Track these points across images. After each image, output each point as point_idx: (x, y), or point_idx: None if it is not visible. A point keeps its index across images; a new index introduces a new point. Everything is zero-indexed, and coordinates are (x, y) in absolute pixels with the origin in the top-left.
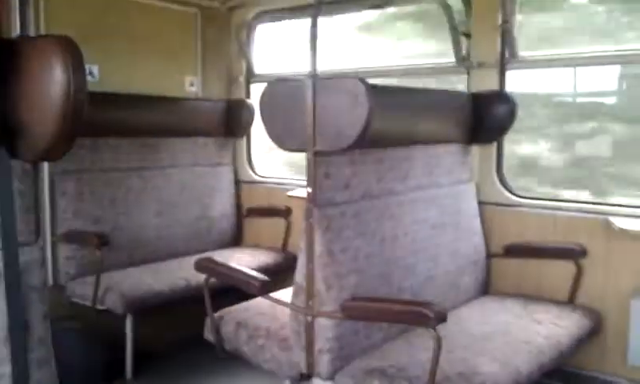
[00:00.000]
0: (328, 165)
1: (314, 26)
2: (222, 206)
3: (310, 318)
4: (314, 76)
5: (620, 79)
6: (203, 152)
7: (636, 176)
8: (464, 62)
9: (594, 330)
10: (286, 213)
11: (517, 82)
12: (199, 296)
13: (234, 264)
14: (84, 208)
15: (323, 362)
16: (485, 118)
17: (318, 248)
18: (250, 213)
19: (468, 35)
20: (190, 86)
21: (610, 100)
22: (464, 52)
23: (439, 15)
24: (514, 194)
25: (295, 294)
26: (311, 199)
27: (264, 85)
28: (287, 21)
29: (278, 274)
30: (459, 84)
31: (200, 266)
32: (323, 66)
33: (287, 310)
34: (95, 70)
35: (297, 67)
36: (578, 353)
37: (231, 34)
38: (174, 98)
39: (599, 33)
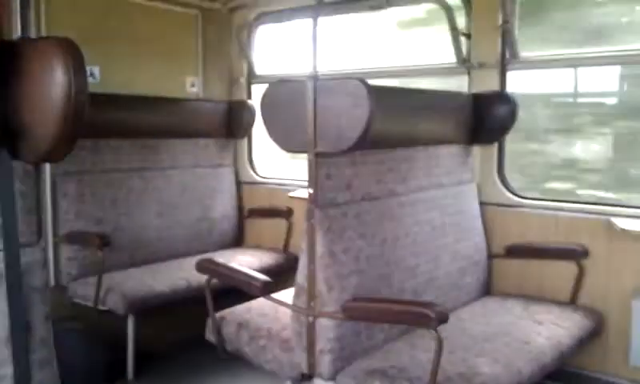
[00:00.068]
0: (329, 166)
1: (314, 26)
2: (223, 206)
3: (311, 319)
4: (315, 77)
5: None
6: (204, 153)
7: None
8: (465, 63)
9: (596, 331)
10: (287, 214)
11: (554, 81)
12: (200, 297)
13: (235, 265)
14: (85, 209)
15: (324, 363)
16: (486, 119)
17: (320, 249)
18: (251, 214)
19: (468, 35)
20: (191, 86)
21: None
22: (464, 52)
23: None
24: (515, 195)
25: (296, 295)
26: (312, 200)
27: (265, 86)
28: (288, 22)
29: (280, 275)
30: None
31: (201, 267)
32: (325, 67)
33: (288, 311)
34: (96, 71)
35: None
36: (580, 353)
37: (232, 35)
38: (175, 99)
39: None
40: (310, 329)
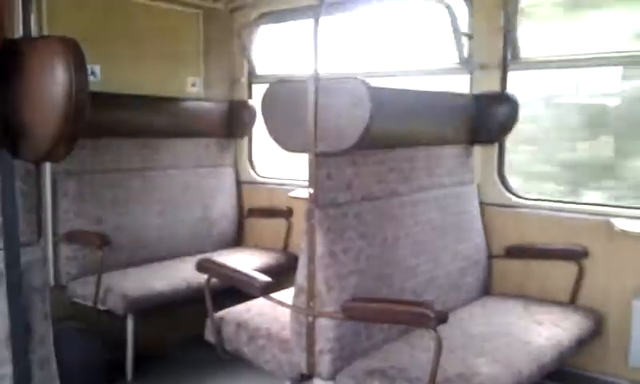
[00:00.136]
0: (330, 166)
1: (315, 26)
2: (223, 206)
3: (310, 319)
4: (315, 77)
5: None
6: (205, 153)
7: None
8: (466, 64)
9: (596, 331)
10: (287, 213)
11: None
12: (200, 297)
13: (235, 265)
14: (85, 208)
15: (324, 363)
16: (486, 119)
17: (320, 249)
18: (251, 213)
19: (470, 36)
20: (192, 86)
21: None
22: (466, 53)
23: None
24: (516, 195)
25: (296, 295)
26: (313, 200)
27: (266, 86)
28: (289, 22)
29: (279, 275)
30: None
31: (201, 267)
32: (326, 67)
33: (288, 311)
34: (97, 69)
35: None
36: (580, 354)
37: (233, 35)
38: (175, 99)
39: None
40: (310, 329)
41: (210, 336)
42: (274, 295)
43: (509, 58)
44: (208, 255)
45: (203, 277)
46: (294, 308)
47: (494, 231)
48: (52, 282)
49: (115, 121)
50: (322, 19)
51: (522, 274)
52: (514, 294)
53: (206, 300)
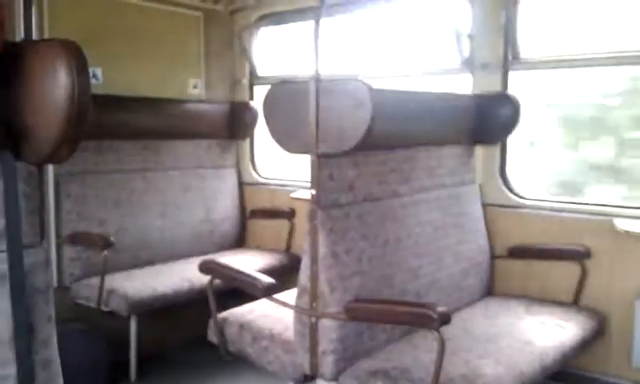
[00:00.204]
0: (331, 167)
1: (316, 28)
2: (225, 207)
3: (313, 320)
4: (317, 78)
5: None
6: (206, 154)
7: None
8: (467, 64)
9: (599, 332)
10: (289, 214)
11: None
12: (203, 298)
13: (238, 266)
14: (88, 210)
15: (327, 363)
16: (488, 120)
17: (322, 250)
18: (253, 215)
19: (471, 36)
20: (194, 88)
21: None
22: (467, 53)
23: None
24: (518, 196)
25: (299, 296)
26: (315, 201)
27: (267, 87)
28: (290, 23)
29: (282, 276)
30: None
31: (204, 268)
32: (327, 68)
33: (291, 312)
34: (99, 72)
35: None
36: (582, 354)
37: (234, 37)
38: (177, 101)
39: None
40: (313, 329)
41: (212, 337)
42: (276, 296)
43: (510, 58)
44: (210, 256)
45: (206, 278)
46: (296, 309)
47: (496, 232)
48: (55, 283)
49: (117, 123)
50: (323, 21)
51: (524, 275)
52: (517, 295)
53: (209, 301)
